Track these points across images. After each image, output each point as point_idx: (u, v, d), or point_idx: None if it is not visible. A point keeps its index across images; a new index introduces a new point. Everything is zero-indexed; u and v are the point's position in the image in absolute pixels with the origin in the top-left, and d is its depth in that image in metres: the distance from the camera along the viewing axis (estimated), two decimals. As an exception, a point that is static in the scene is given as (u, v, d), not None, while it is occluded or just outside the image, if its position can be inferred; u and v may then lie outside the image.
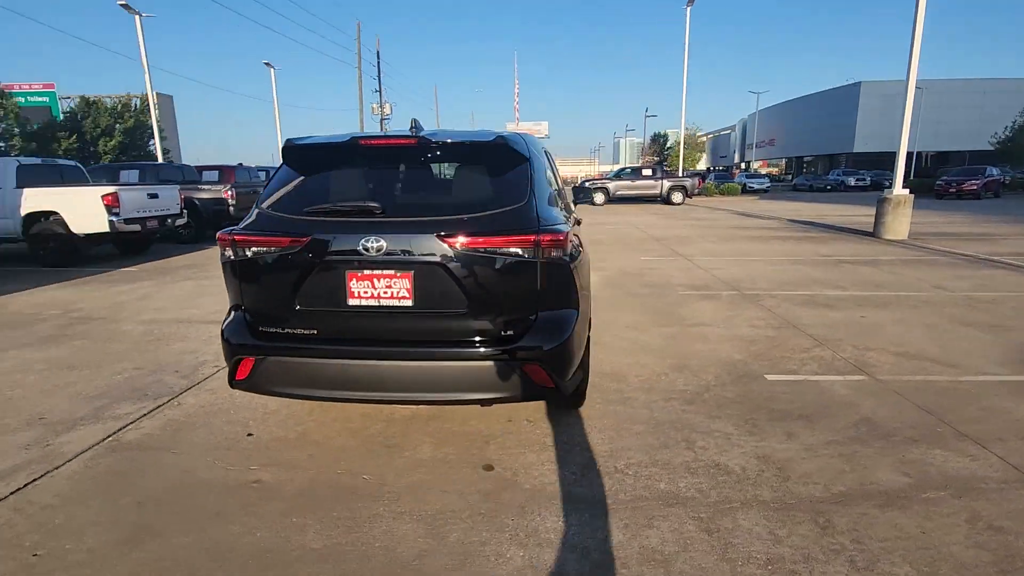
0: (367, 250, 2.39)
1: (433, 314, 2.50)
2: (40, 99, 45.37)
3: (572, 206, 4.82)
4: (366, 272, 2.45)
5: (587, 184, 25.78)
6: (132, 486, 2.67)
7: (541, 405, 3.42)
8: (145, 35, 22.10)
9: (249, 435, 3.17)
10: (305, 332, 2.56)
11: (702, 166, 77.43)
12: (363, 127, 41.39)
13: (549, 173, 3.40)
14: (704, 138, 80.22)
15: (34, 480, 2.72)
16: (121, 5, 20.99)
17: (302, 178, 2.72)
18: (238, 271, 2.59)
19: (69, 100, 44.94)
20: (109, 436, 3.18)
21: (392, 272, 2.44)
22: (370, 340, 2.52)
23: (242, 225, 2.58)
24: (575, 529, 2.29)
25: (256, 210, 2.63)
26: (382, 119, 44.51)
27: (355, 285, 2.47)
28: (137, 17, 21.60)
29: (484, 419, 3.28)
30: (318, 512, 2.42)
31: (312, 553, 2.17)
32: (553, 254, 2.48)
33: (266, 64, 30.73)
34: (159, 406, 3.55)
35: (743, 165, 66.73)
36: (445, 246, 2.39)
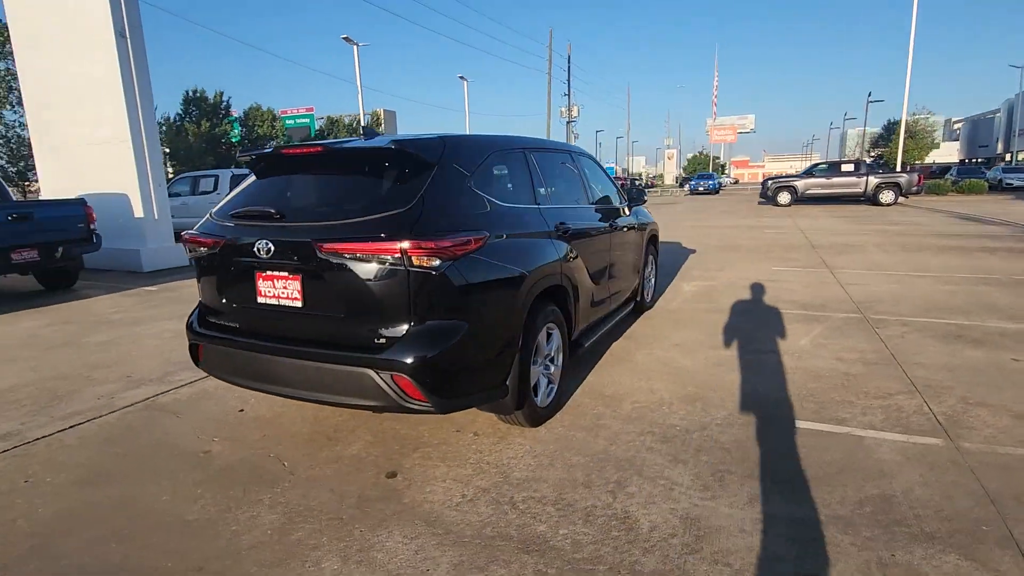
0: (260, 252, 2.55)
1: (318, 316, 2.56)
2: (303, 120, 55.73)
3: (623, 209, 4.48)
4: (268, 273, 2.61)
5: (769, 182, 23.14)
6: (128, 440, 3.23)
7: (495, 419, 3.25)
8: (367, 60, 25.74)
9: (240, 411, 3.59)
10: (230, 325, 2.83)
11: (949, 158, 63.62)
12: (549, 132, 42.74)
13: (508, 178, 3.22)
14: (953, 124, 65.82)
15: (79, 424, 3.46)
16: (343, 38, 24.90)
17: (246, 184, 3.01)
18: (194, 267, 2.98)
19: (322, 120, 54.64)
20: (151, 397, 3.87)
21: (285, 274, 2.57)
22: (274, 337, 2.68)
23: (194, 227, 2.95)
24: (405, 557, 2.16)
25: (208, 214, 2.98)
26: (569, 121, 45.43)
27: (261, 284, 2.65)
28: (355, 47, 25.40)
29: (433, 425, 3.24)
30: (221, 487, 2.67)
31: (181, 523, 2.41)
32: (426, 263, 2.36)
33: (460, 78, 33.54)
34: (202, 377, 4.21)
35: (1008, 156, 53.08)
36: (322, 250, 2.44)
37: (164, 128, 35.12)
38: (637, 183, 29.07)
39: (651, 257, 5.79)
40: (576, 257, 3.56)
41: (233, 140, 39.34)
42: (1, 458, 3.03)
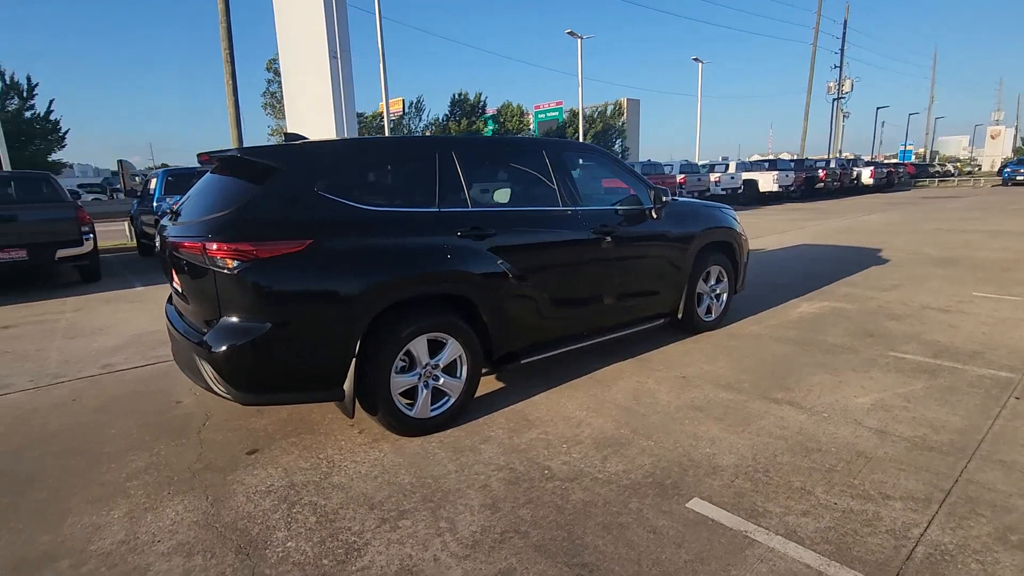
0: (166, 245, 3.06)
1: (187, 304, 2.96)
2: (552, 113, 59.23)
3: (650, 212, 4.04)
4: (171, 263, 3.12)
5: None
6: (114, 392, 4.09)
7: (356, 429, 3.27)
8: (609, 53, 26.30)
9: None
10: (175, 313, 3.39)
11: None
12: (808, 111, 37.17)
13: (394, 181, 3.15)
14: None
15: (78, 378, 4.52)
16: (568, 33, 25.64)
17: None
18: None
19: (566, 113, 57.38)
20: (153, 363, 4.81)
21: (173, 265, 3.03)
22: (178, 324, 3.15)
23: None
24: (171, 516, 2.43)
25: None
26: (837, 98, 38.73)
27: (174, 274, 3.16)
28: (579, 40, 25.92)
29: (335, 415, 3.41)
30: (153, 433, 3.32)
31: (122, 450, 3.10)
32: (230, 263, 2.54)
33: (695, 60, 31.39)
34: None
35: None
36: (173, 246, 2.81)
37: (432, 128, 41.13)
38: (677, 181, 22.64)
39: (718, 268, 4.84)
40: (506, 264, 3.29)
41: (487, 135, 43.97)
42: (66, 385, 4.25)
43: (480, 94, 43.63)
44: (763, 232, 12.26)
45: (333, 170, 2.90)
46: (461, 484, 2.67)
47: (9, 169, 14.42)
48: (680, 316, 4.57)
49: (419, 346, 3.03)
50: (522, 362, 3.54)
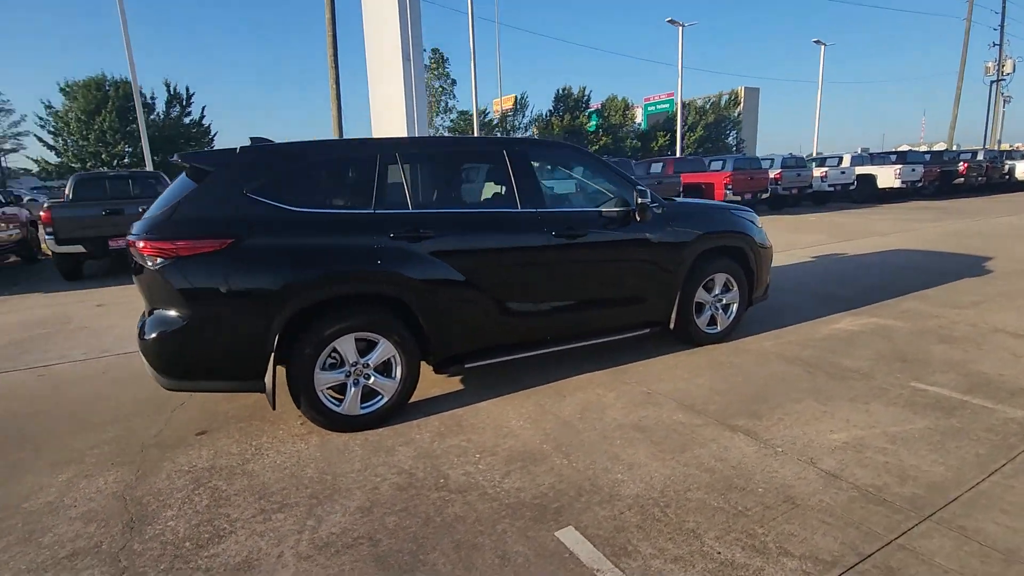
0: None
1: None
2: (663, 105, 57.13)
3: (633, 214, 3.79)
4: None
5: None
6: (137, 368, 4.63)
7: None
8: (722, 41, 24.97)
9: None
10: None
11: None
12: (959, 96, 32.40)
13: (331, 184, 3.23)
14: None
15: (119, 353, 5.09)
16: (668, 21, 24.47)
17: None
18: None
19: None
20: None
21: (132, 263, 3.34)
22: None
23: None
24: (101, 485, 2.73)
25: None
26: (996, 80, 33.30)
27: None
28: (680, 28, 24.63)
29: (289, 407, 3.60)
30: (139, 412, 3.72)
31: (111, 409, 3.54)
32: (155, 260, 2.78)
33: (816, 42, 28.55)
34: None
35: None
36: (127, 246, 3.10)
37: (535, 123, 41.37)
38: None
39: (725, 277, 4.40)
40: (446, 267, 3.27)
41: (589, 130, 43.31)
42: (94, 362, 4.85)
43: (584, 88, 43.10)
44: (856, 234, 10.93)
45: (266, 173, 3.05)
46: (354, 484, 2.70)
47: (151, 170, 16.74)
48: (672, 326, 4.23)
49: (346, 345, 3.11)
50: (466, 366, 3.49)
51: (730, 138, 50.53)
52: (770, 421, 3.15)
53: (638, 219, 3.93)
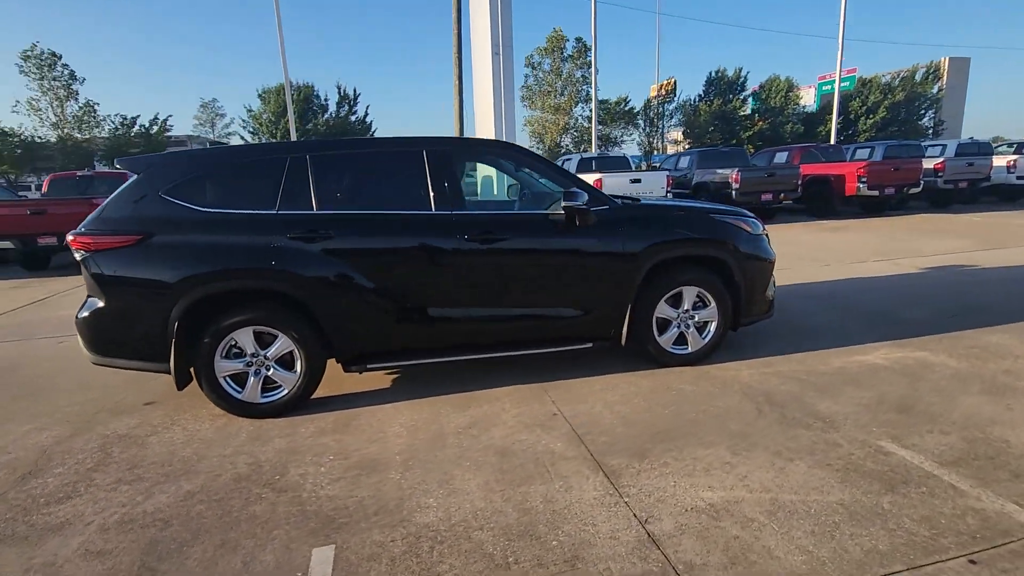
0: None
1: None
2: (843, 84, 50.42)
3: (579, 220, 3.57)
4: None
5: None
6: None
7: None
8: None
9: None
10: None
11: None
12: None
13: (235, 186, 3.40)
14: None
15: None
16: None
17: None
18: None
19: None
20: None
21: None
22: None
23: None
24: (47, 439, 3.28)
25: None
26: None
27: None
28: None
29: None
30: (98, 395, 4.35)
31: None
32: (76, 251, 3.21)
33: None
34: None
35: None
36: None
37: (681, 110, 39.11)
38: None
39: (696, 290, 3.81)
40: (344, 267, 3.33)
41: (743, 114, 39.76)
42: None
43: (740, 70, 39.57)
44: (1005, 242, 8.67)
45: (182, 176, 3.34)
46: (207, 468, 2.89)
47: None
48: (623, 343, 3.80)
49: (244, 337, 3.31)
50: (368, 367, 3.51)
51: (925, 119, 42.84)
52: (650, 465, 2.71)
53: (578, 223, 3.58)
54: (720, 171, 11.83)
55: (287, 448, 3.06)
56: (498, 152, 4.03)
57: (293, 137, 20.02)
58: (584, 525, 2.28)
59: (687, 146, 38.16)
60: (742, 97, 39.71)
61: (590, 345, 3.77)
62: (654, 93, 38.54)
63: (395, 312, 3.46)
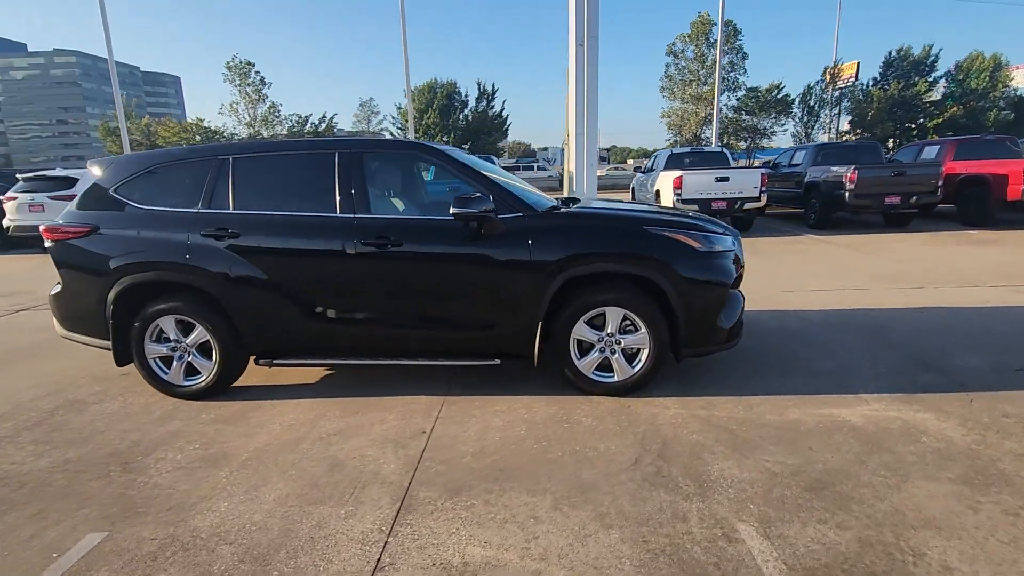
0: None
1: None
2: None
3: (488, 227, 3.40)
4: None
5: None
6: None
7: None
8: None
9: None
10: None
11: None
12: None
13: (168, 186, 3.67)
14: None
15: None
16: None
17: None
18: None
19: None
20: None
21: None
22: None
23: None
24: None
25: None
26: None
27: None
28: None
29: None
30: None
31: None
32: (46, 239, 3.73)
33: None
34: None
35: None
36: None
37: (848, 96, 34.35)
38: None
39: (621, 312, 3.31)
40: (247, 265, 3.47)
41: (931, 100, 33.79)
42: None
43: (929, 47, 33.52)
44: None
45: (129, 174, 3.71)
46: (97, 440, 3.21)
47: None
48: (536, 363, 3.46)
49: (167, 323, 3.61)
50: (274, 363, 3.62)
51: None
52: (454, 505, 2.44)
53: (484, 232, 3.33)
54: (835, 169, 10.13)
55: (175, 431, 3.29)
56: (413, 155, 3.86)
57: (410, 132, 21.26)
58: (320, 559, 2.14)
59: (854, 137, 33.47)
60: (931, 79, 33.67)
61: (497, 362, 3.49)
62: (827, 76, 34.06)
63: (296, 312, 3.52)
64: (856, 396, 3.36)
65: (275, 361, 3.64)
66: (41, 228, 3.82)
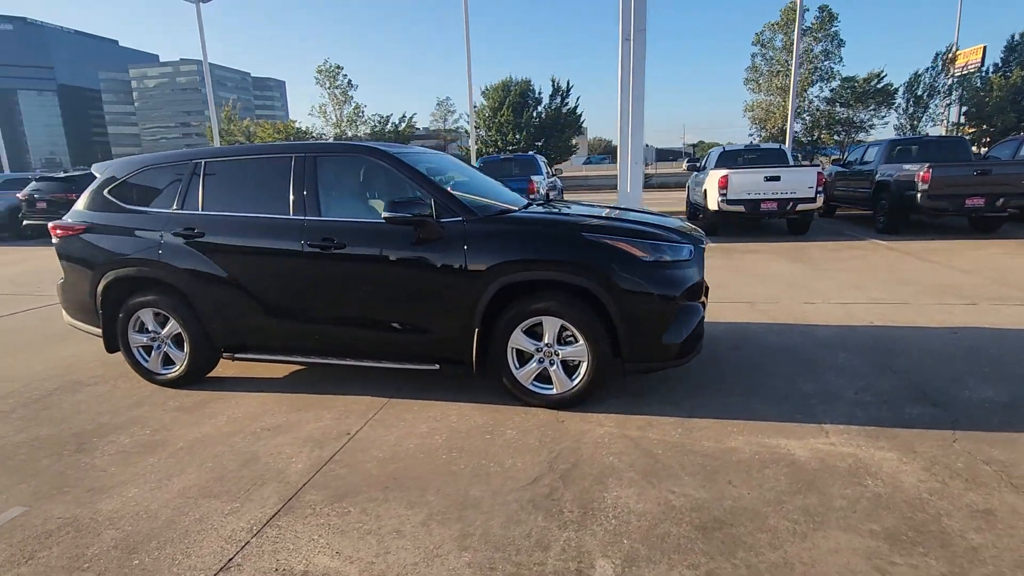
0: None
1: None
2: None
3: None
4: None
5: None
6: None
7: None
8: None
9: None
10: None
11: None
12: None
13: (150, 187, 3.93)
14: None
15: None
16: None
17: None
18: None
19: None
20: None
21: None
22: None
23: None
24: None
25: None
26: None
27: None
28: None
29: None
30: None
31: (127, 336, 5.41)
32: (53, 235, 4.13)
33: None
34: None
35: None
36: None
37: (964, 84, 30.83)
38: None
39: (559, 323, 3.16)
40: (207, 263, 3.66)
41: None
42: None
43: (1066, 26, 29.22)
44: None
45: (123, 177, 4.02)
46: (72, 420, 3.51)
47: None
48: (475, 370, 3.39)
49: (147, 316, 3.90)
50: (235, 357, 3.80)
51: None
52: (330, 511, 2.44)
53: (423, 237, 3.31)
54: (907, 167, 9.09)
55: (138, 416, 3.53)
56: (359, 159, 3.83)
57: (471, 133, 21.53)
58: (181, 553, 2.21)
59: (968, 131, 30.05)
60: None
61: (436, 368, 3.45)
62: (954, 61, 30.64)
63: (252, 308, 3.67)
64: (819, 426, 3.00)
65: (236, 355, 3.82)
66: (50, 225, 4.24)
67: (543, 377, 3.35)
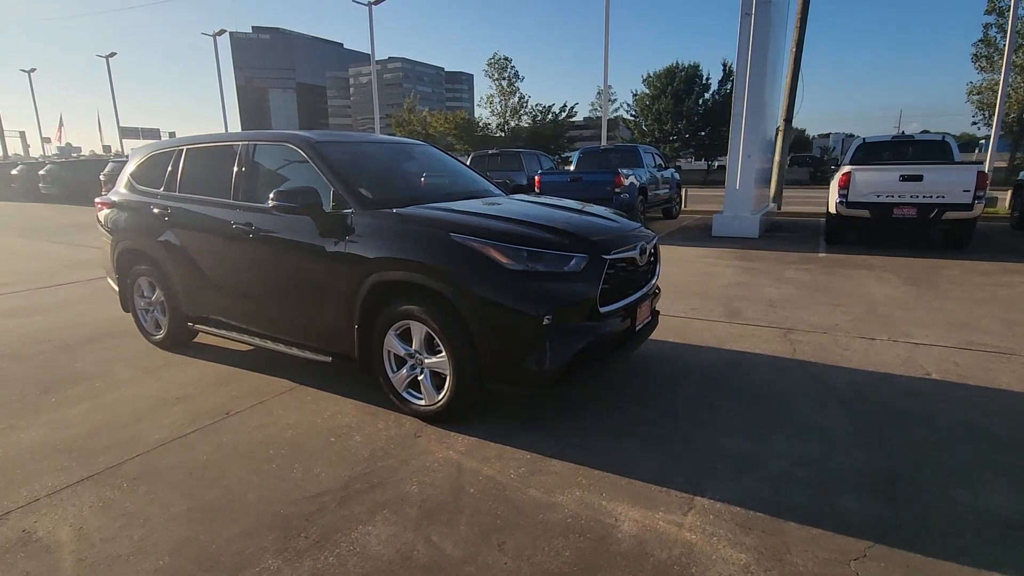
0: None
1: None
2: None
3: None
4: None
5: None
6: None
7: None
8: None
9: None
10: None
11: None
12: None
13: (154, 172, 4.36)
14: None
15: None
16: None
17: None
18: None
19: None
20: None
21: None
22: None
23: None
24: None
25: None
26: None
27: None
28: None
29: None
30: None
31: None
32: (97, 207, 4.87)
33: None
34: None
35: None
36: None
37: None
38: None
39: (424, 330, 2.86)
40: (172, 239, 4.04)
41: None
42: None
43: None
44: None
45: (139, 162, 4.59)
46: (54, 366, 4.14)
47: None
48: (361, 368, 3.24)
49: (144, 283, 4.44)
50: (197, 327, 4.14)
51: None
52: (100, 486, 2.52)
53: (319, 230, 3.25)
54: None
55: (104, 371, 4.00)
56: (285, 152, 3.74)
57: (604, 119, 20.79)
58: (-14, 498, 2.46)
59: None
60: None
61: (329, 360, 3.38)
62: None
63: (202, 285, 3.95)
64: (690, 498, 2.32)
65: (196, 326, 4.16)
66: (96, 200, 5.02)
67: (417, 385, 3.10)
